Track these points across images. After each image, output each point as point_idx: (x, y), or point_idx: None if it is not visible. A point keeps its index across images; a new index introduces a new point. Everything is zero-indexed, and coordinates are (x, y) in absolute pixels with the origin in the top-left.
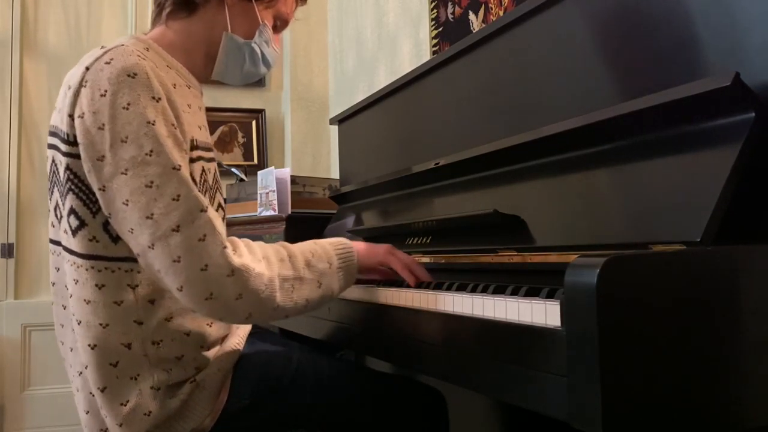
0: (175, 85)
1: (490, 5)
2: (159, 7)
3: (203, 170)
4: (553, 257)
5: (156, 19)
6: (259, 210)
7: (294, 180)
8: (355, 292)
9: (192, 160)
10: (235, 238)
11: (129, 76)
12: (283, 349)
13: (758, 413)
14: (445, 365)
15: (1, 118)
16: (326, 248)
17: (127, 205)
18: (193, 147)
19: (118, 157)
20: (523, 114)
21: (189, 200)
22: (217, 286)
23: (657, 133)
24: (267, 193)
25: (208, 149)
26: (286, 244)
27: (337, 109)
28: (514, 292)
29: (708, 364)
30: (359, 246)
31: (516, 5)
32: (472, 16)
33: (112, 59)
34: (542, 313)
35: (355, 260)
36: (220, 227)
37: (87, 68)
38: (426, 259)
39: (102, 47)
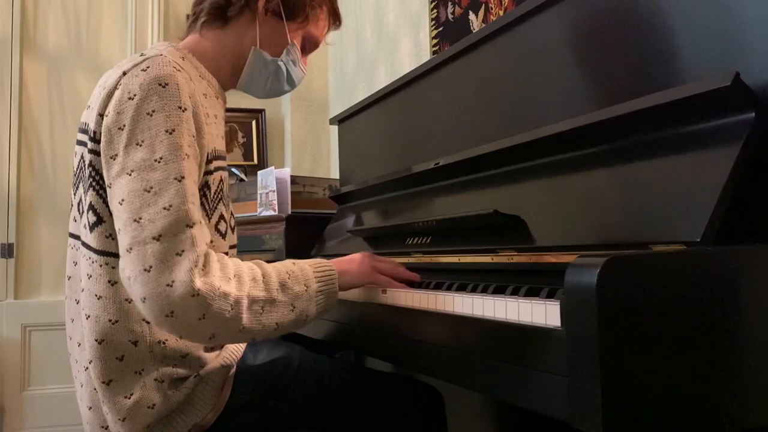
0: (205, 95)
1: (490, 5)
2: (195, 16)
3: (221, 179)
4: (553, 257)
5: (191, 27)
6: (259, 210)
7: (294, 180)
8: (355, 292)
9: (211, 171)
10: (211, 253)
11: (160, 85)
12: (285, 350)
13: (758, 413)
14: (446, 365)
15: (0, 118)
16: (305, 270)
17: (121, 204)
18: (215, 158)
19: (128, 158)
20: (523, 114)
21: (179, 213)
22: (179, 305)
23: (657, 133)
24: (267, 193)
25: (224, 158)
26: (262, 263)
27: (337, 109)
28: (514, 292)
29: (708, 364)
30: (340, 266)
31: (516, 5)
32: (472, 16)
33: (148, 67)
34: (542, 313)
35: (336, 285)
36: (201, 245)
37: (124, 72)
38: (426, 259)
39: (141, 54)
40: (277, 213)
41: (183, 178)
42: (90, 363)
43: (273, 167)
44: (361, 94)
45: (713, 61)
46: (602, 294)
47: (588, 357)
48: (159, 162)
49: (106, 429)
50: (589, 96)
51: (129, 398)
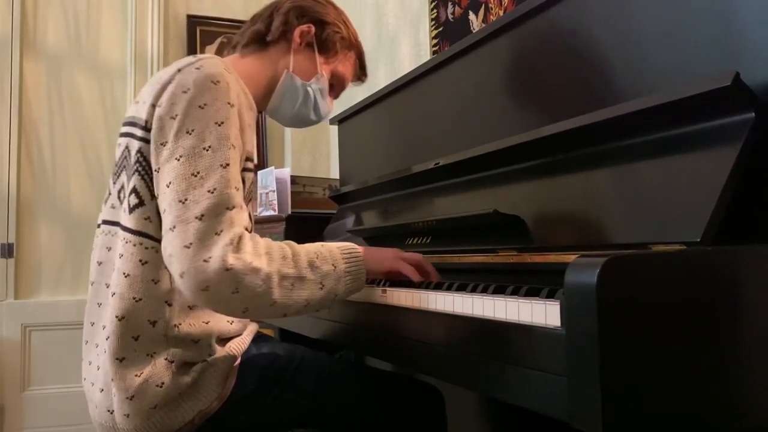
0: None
1: (490, 5)
2: (236, 41)
3: (251, 182)
4: (553, 257)
5: (229, 48)
6: (259, 210)
7: (294, 180)
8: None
9: (246, 170)
10: (244, 233)
11: (213, 82)
12: (289, 346)
13: (758, 413)
14: (446, 365)
15: (0, 118)
16: (333, 251)
17: (168, 186)
18: (248, 159)
19: (178, 145)
20: (523, 114)
21: (222, 196)
22: (214, 279)
23: (657, 133)
24: (267, 193)
25: (253, 161)
26: (293, 243)
27: (337, 109)
28: (514, 292)
29: (708, 364)
30: (367, 252)
31: (516, 5)
32: (472, 16)
33: (201, 66)
34: (542, 313)
35: (363, 266)
36: (239, 226)
37: (179, 70)
38: None
39: (195, 56)
40: (277, 213)
41: (228, 165)
42: (107, 339)
43: (273, 167)
44: (361, 94)
45: (713, 61)
46: (602, 294)
47: (588, 357)
48: (207, 150)
49: (111, 413)
50: (589, 96)
51: (139, 376)
